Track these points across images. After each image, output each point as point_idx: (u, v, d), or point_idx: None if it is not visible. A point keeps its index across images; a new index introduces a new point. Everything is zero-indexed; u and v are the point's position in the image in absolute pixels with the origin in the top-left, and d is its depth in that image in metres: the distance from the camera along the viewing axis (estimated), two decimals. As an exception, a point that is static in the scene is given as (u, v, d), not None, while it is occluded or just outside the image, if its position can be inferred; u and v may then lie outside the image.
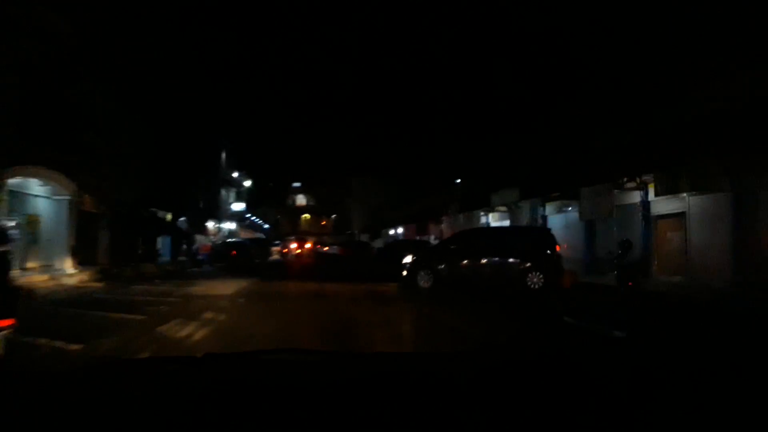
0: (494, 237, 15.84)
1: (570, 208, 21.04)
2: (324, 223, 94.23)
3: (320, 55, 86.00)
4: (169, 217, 33.54)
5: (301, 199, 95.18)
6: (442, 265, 15.52)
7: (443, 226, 32.41)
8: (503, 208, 27.53)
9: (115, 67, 23.75)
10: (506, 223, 27.03)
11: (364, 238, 68.12)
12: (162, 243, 33.88)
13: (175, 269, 29.05)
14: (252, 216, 68.90)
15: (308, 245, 73.19)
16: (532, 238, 15.81)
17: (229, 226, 49.13)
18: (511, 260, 15.22)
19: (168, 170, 33.19)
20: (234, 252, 34.18)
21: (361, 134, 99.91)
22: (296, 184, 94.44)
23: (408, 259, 16.39)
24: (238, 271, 26.93)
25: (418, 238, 38.03)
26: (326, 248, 71.04)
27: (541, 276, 14.96)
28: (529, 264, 15.08)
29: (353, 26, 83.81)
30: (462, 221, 29.38)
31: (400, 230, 51.92)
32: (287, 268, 32.03)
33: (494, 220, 28.51)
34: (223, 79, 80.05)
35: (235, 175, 64.31)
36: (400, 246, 28.60)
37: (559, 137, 20.71)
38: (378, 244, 55.75)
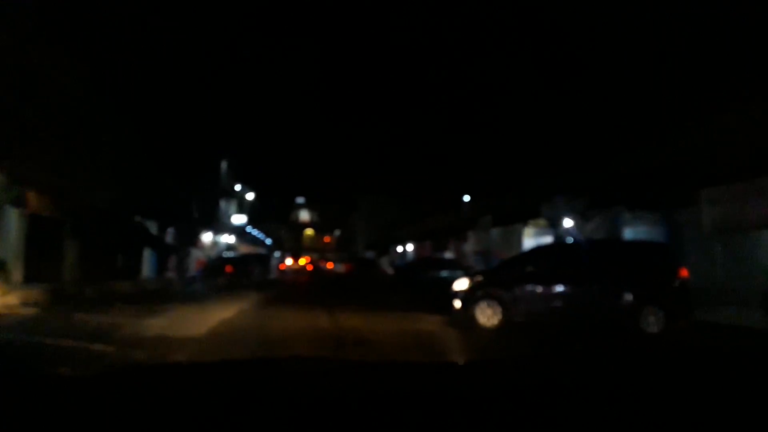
0: (589, 255, 10.50)
1: (642, 221, 16.05)
2: (327, 239, 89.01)
3: (327, 70, 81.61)
4: (153, 227, 28.35)
5: (304, 215, 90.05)
6: (512, 293, 10.29)
7: (470, 242, 27.22)
8: (543, 222, 22.41)
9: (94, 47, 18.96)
10: (547, 239, 21.85)
11: (369, 255, 62.88)
12: (150, 257, 28.73)
13: (157, 288, 23.83)
14: (254, 230, 63.69)
15: (309, 262, 68.01)
16: (643, 258, 10.49)
17: (228, 239, 43.85)
18: (616, 289, 9.99)
19: (154, 173, 28.22)
20: (229, 268, 28.95)
21: (367, 151, 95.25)
22: (300, 200, 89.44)
23: (462, 284, 11.07)
24: (233, 291, 21.77)
25: (433, 255, 33.03)
26: (329, 265, 65.95)
27: (661, 314, 9.74)
28: (643, 295, 9.88)
29: (361, 40, 79.30)
30: (496, 237, 24.31)
31: (410, 247, 46.69)
32: (288, 288, 26.82)
33: (529, 236, 23.37)
34: (228, 90, 75.46)
35: (238, 188, 59.36)
36: (425, 264, 23.47)
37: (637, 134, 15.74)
38: (384, 261, 50.58)
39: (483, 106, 49.65)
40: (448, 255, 31.61)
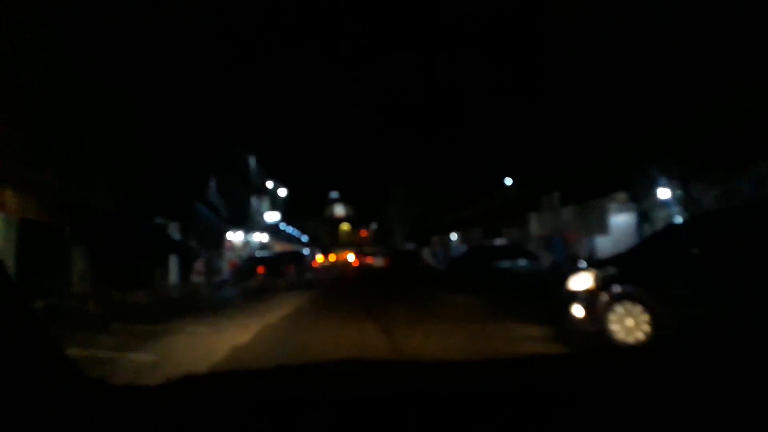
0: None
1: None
2: (364, 233, 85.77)
3: (355, 59, 78.19)
4: (175, 229, 25.38)
5: (339, 210, 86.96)
6: (667, 292, 6.64)
7: (533, 225, 23.39)
8: (622, 197, 18.53)
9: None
10: (629, 217, 17.92)
11: (409, 247, 59.37)
12: (177, 262, 25.88)
13: (180, 296, 20.83)
14: (288, 228, 60.87)
15: (347, 257, 64.82)
16: None
17: (261, 238, 40.86)
18: None
19: (172, 170, 25.23)
20: (261, 269, 25.82)
21: (399, 139, 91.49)
22: (334, 194, 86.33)
23: (582, 280, 7.39)
24: (264, 295, 18.62)
25: (488, 243, 29.33)
26: (368, 259, 62.71)
27: None
28: None
29: (389, 28, 75.55)
30: (568, 217, 20.50)
31: (453, 236, 42.99)
32: (326, 289, 23.53)
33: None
34: (256, 84, 72.84)
35: (270, 185, 56.55)
36: (483, 253, 19.85)
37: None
38: (426, 253, 46.97)
39: (521, 77, 45.62)
40: (500, 241, 27.93)
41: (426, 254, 46.08)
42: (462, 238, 36.94)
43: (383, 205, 75.26)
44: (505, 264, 18.46)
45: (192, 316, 12.56)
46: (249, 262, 27.30)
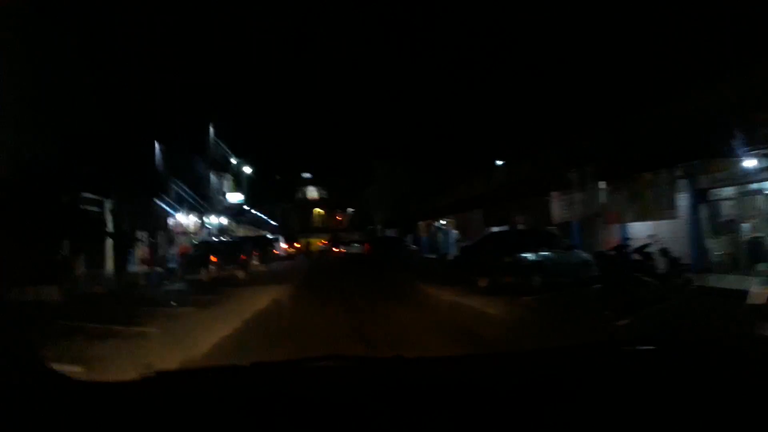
0: None
1: None
2: (339, 218, 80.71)
3: (333, 25, 72.62)
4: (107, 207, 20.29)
5: (312, 192, 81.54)
6: None
7: (555, 208, 18.79)
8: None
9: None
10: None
11: (390, 233, 54.75)
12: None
13: (102, 293, 15.95)
14: (255, 211, 55.70)
15: (321, 244, 59.84)
16: None
17: (219, 220, 35.67)
18: None
19: (102, 133, 20.24)
20: (214, 257, 20.86)
21: (378, 116, 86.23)
22: (306, 175, 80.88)
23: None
24: (213, 293, 14.01)
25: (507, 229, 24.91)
26: (342, 249, 57.46)
27: None
28: None
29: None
30: (606, 197, 16.06)
31: (442, 222, 38.51)
32: (295, 284, 18.85)
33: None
34: (222, 52, 67.07)
35: (234, 162, 51.25)
36: (508, 240, 15.22)
37: None
38: (408, 240, 42.46)
39: (514, 50, 41.08)
40: (512, 228, 23.50)
41: (409, 242, 41.56)
42: (457, 223, 32.37)
43: (361, 187, 70.38)
44: (536, 255, 13.90)
45: (89, 328, 7.77)
46: (201, 248, 22.26)
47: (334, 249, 53.51)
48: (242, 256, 21.40)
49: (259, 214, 57.69)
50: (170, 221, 28.86)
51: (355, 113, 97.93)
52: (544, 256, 13.98)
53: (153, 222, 24.43)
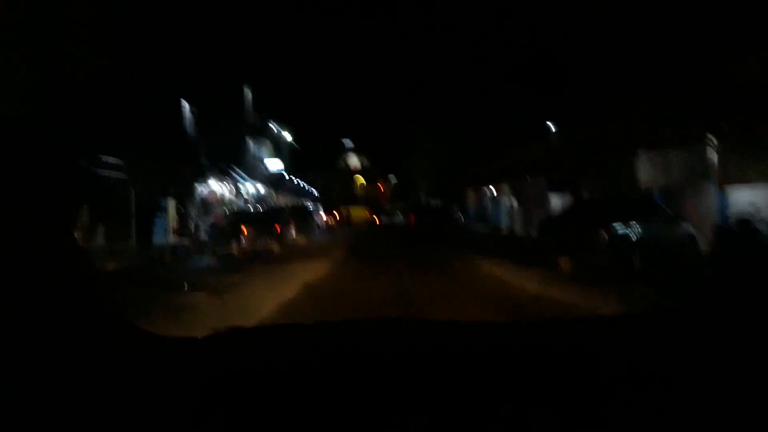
0: None
1: None
2: (382, 187, 78.36)
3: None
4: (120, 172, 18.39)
5: (354, 160, 79.28)
6: None
7: (644, 171, 15.84)
8: None
9: None
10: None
11: (434, 202, 52.17)
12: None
13: (116, 268, 14.06)
14: (298, 181, 53.88)
15: (363, 214, 57.70)
16: None
17: (257, 188, 33.73)
18: None
19: (127, 87, 18.38)
20: (245, 229, 18.83)
21: (423, 80, 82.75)
22: (348, 143, 78.59)
23: None
24: (239, 272, 11.99)
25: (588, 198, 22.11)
26: (381, 218, 55.56)
27: None
28: None
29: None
30: (713, 155, 13.08)
31: (491, 190, 35.71)
32: (341, 252, 16.75)
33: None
34: (262, 16, 64.69)
35: (274, 129, 49.30)
36: (601, 208, 12.44)
37: None
38: (456, 209, 39.87)
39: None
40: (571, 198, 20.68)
41: (456, 211, 38.99)
42: (512, 191, 29.54)
43: (403, 155, 67.66)
44: (636, 228, 11.20)
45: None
46: (233, 218, 20.23)
47: (375, 218, 51.48)
48: (277, 228, 19.28)
49: (300, 182, 55.88)
50: (203, 189, 27.06)
51: (396, 78, 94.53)
52: (645, 229, 11.27)
53: (183, 189, 22.55)
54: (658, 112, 14.37)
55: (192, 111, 27.06)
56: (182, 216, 23.20)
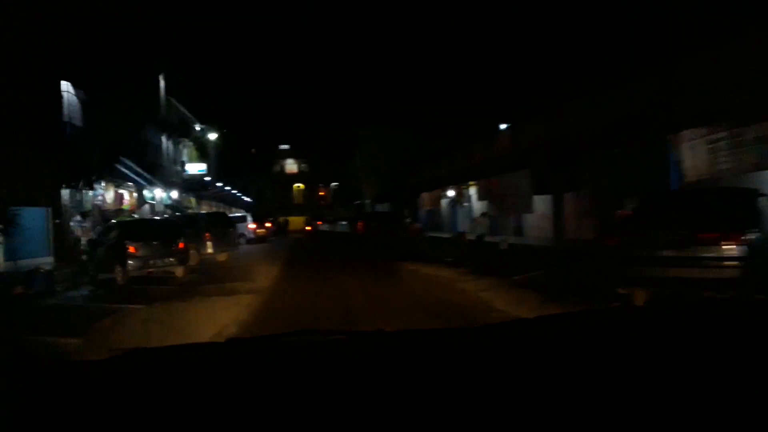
0: None
1: None
2: (323, 193, 73.00)
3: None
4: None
5: (291, 165, 73.58)
6: None
7: (692, 153, 11.36)
8: None
9: None
10: None
11: (380, 209, 47.43)
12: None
13: None
14: (226, 186, 47.96)
15: (303, 224, 52.37)
16: None
17: (170, 194, 27.84)
18: None
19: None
20: (132, 248, 13.28)
21: (365, 78, 77.98)
22: (284, 147, 72.84)
23: None
24: (121, 308, 7.02)
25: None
26: (303, 226, 50.27)
27: None
28: None
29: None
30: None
31: (450, 193, 31.21)
32: (271, 273, 11.83)
33: None
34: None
35: (198, 129, 43.46)
36: (700, 207, 7.78)
37: None
38: (409, 215, 35.21)
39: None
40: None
41: (408, 218, 34.27)
42: (482, 193, 25.03)
43: (346, 159, 62.67)
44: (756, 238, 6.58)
45: None
46: (117, 232, 14.51)
47: (307, 229, 46.23)
48: (180, 244, 13.84)
49: (234, 191, 49.97)
50: (99, 196, 21.31)
51: (337, 76, 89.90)
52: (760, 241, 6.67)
53: (52, 195, 16.86)
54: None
55: (79, 97, 21.24)
56: (58, 230, 17.52)
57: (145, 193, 23.25)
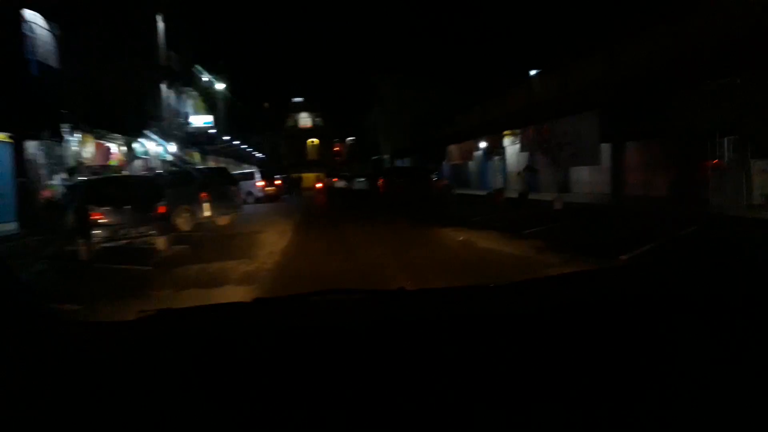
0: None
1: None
2: (338, 148, 69.44)
3: None
4: None
5: (305, 119, 69.80)
6: None
7: None
8: None
9: None
10: None
11: (400, 164, 44.02)
12: None
13: None
14: (235, 141, 44.72)
15: (316, 183, 49.17)
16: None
17: (165, 148, 24.55)
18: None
19: None
20: (96, 214, 10.19)
21: (382, 22, 73.19)
22: (297, 100, 68.98)
23: None
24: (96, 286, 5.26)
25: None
26: (317, 184, 47.18)
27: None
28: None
29: None
30: None
31: (481, 145, 27.68)
32: (279, 244, 8.62)
33: None
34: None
35: (205, 79, 39.99)
36: None
37: None
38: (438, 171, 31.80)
39: None
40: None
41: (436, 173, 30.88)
42: (526, 143, 21.50)
43: (364, 112, 58.92)
44: None
45: None
46: (79, 193, 11.30)
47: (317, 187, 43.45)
48: (160, 208, 10.72)
49: (239, 144, 46.69)
50: (81, 148, 18.22)
51: (353, 20, 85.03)
52: None
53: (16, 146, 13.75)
54: None
55: (55, 34, 17.88)
56: (23, 190, 14.49)
57: (136, 146, 20.04)
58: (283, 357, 1.12)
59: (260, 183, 26.56)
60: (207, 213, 14.91)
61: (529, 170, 19.41)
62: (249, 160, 51.25)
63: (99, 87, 19.08)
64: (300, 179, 39.47)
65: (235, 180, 17.27)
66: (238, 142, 44.02)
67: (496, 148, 23.38)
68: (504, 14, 40.11)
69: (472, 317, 1.28)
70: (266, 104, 68.13)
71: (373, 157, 54.06)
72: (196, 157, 29.39)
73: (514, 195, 19.91)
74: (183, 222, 14.06)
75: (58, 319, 1.32)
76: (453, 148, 31.23)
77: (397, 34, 70.90)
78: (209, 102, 40.27)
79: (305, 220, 17.15)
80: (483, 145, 27.61)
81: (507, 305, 1.41)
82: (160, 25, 28.63)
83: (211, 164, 33.75)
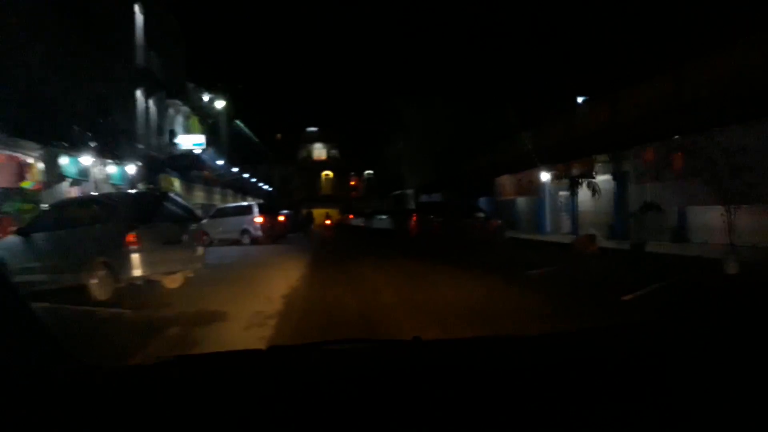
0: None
1: None
2: (354, 182, 63.19)
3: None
4: None
5: (319, 151, 63.78)
6: None
7: None
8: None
9: None
10: None
11: (426, 199, 37.55)
12: None
13: None
14: (236, 170, 38.64)
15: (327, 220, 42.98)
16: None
17: (120, 168, 18.09)
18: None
19: None
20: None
21: (404, 48, 67.73)
22: (312, 129, 63.14)
23: None
24: None
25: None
26: (327, 222, 41.44)
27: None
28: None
29: None
30: None
31: (546, 176, 21.12)
32: None
33: None
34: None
35: (206, 98, 34.18)
36: None
37: None
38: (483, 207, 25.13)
39: None
40: None
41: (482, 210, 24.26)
42: (652, 165, 14.81)
43: (384, 143, 52.77)
44: None
45: None
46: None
47: (326, 223, 37.76)
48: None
49: (240, 173, 40.55)
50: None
51: (372, 48, 79.82)
52: None
53: None
54: None
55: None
56: None
57: (61, 162, 13.62)
58: (295, 407, 1.09)
59: (258, 219, 20.23)
60: (137, 271, 8.39)
61: (652, 209, 12.80)
62: (255, 192, 45.13)
63: (30, 77, 13.14)
64: (311, 215, 33.17)
65: (195, 215, 10.63)
66: (236, 170, 37.81)
67: (581, 179, 16.84)
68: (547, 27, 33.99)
69: (488, 372, 1.25)
70: (279, 135, 62.82)
71: (395, 192, 47.67)
72: (175, 183, 23.02)
73: (603, 241, 13.42)
74: (95, 287, 7.94)
75: (79, 364, 1.30)
76: (505, 180, 24.62)
77: (422, 53, 65.17)
78: (208, 124, 34.35)
79: (312, 275, 10.54)
80: (546, 176, 21.06)
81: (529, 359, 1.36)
82: (139, 17, 22.74)
83: (199, 195, 27.39)
